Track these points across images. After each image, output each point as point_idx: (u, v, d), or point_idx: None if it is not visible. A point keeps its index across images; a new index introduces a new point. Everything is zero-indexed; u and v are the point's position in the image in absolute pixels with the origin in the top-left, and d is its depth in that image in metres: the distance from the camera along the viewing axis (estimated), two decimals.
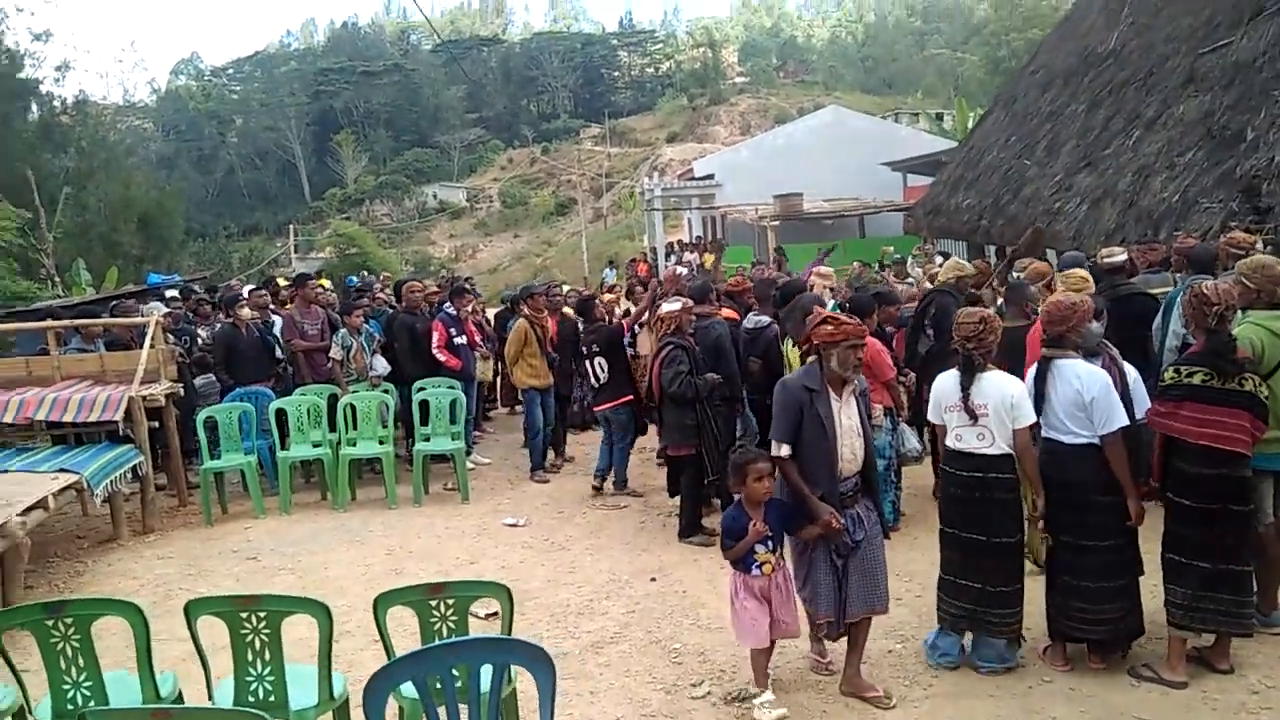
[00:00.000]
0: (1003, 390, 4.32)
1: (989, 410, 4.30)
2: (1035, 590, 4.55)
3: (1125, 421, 4.23)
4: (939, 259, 9.14)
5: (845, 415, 4.28)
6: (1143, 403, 4.71)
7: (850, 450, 4.27)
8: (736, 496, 4.37)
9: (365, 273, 21.26)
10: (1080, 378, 4.28)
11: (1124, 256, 7.23)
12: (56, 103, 34.22)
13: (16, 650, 3.56)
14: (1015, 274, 7.87)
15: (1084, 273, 6.52)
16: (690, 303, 7.12)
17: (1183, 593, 4.17)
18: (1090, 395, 4.22)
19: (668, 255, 25.03)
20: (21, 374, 8.21)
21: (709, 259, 20.93)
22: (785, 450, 4.27)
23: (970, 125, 22.18)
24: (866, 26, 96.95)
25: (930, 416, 4.71)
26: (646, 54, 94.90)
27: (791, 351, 6.83)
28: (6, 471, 6.83)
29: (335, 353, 9.16)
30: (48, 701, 3.52)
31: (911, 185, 23.20)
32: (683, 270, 11.18)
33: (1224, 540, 4.11)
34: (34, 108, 33.38)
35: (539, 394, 8.97)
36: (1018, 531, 4.40)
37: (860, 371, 4.37)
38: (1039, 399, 4.38)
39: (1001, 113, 15.76)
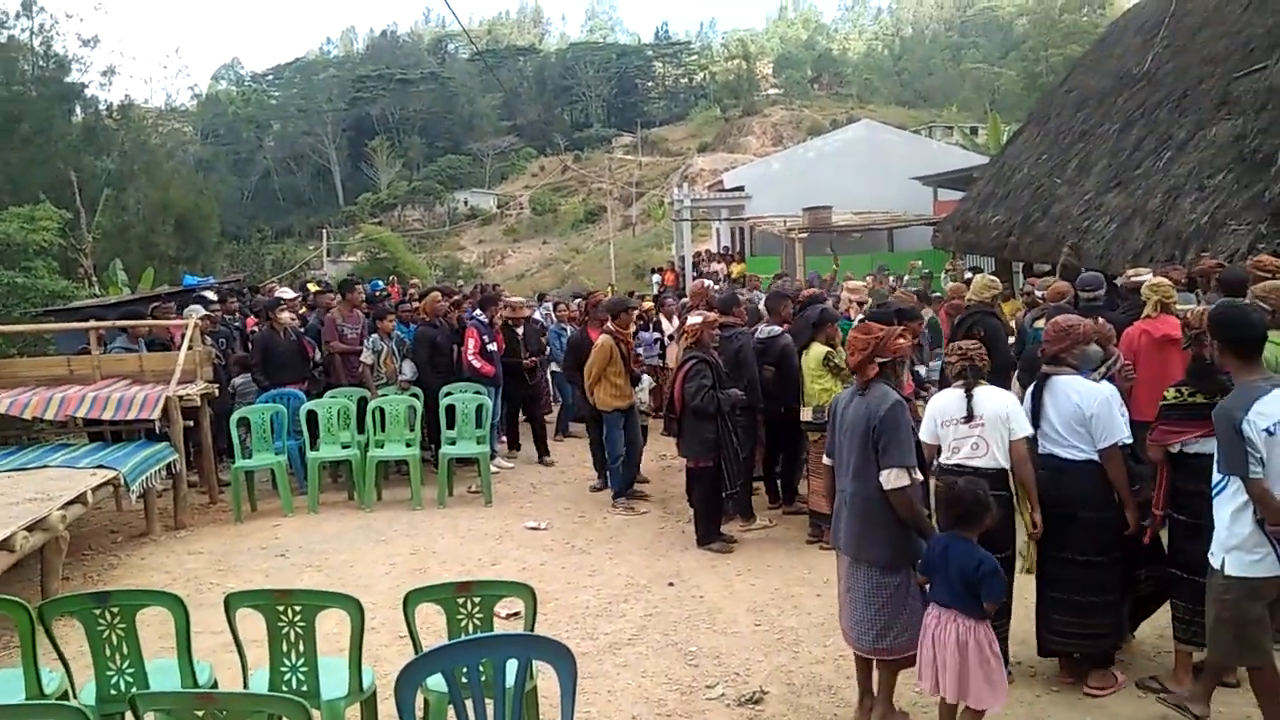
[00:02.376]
0: (999, 403, 4.42)
1: (984, 423, 4.38)
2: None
3: (1125, 435, 4.30)
4: (968, 274, 9.14)
5: None
6: None
7: None
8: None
9: (394, 278, 21.56)
10: (1080, 393, 4.36)
11: (1149, 276, 7.25)
12: (101, 106, 34.89)
13: (60, 639, 3.72)
14: (1038, 293, 7.93)
15: (992, 278, 7.40)
16: (714, 316, 7.22)
17: (1185, 607, 4.23)
18: (1090, 410, 4.30)
19: (695, 265, 25.12)
20: (63, 372, 8.46)
21: (737, 269, 21.04)
22: (919, 476, 4.07)
23: (1004, 141, 22.13)
24: (903, 40, 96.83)
25: (923, 435, 4.63)
26: (681, 65, 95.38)
27: (805, 361, 6.92)
28: (47, 467, 7.04)
29: (366, 357, 9.37)
30: (92, 686, 3.68)
31: (942, 199, 23.17)
32: (709, 283, 11.27)
33: None
34: (79, 111, 34.05)
35: (623, 415, 8.40)
36: (1009, 546, 4.45)
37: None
38: (1035, 415, 4.47)
39: (1035, 130, 15.76)
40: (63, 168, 25.54)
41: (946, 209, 19.57)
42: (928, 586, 3.91)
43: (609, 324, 8.44)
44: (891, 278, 13.53)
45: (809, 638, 5.26)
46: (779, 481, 7.94)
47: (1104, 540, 4.32)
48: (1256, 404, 3.53)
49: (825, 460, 4.55)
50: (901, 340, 4.14)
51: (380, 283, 16.94)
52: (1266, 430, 3.52)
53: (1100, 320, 5.43)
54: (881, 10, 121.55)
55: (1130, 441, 4.35)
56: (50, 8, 48.22)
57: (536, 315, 10.92)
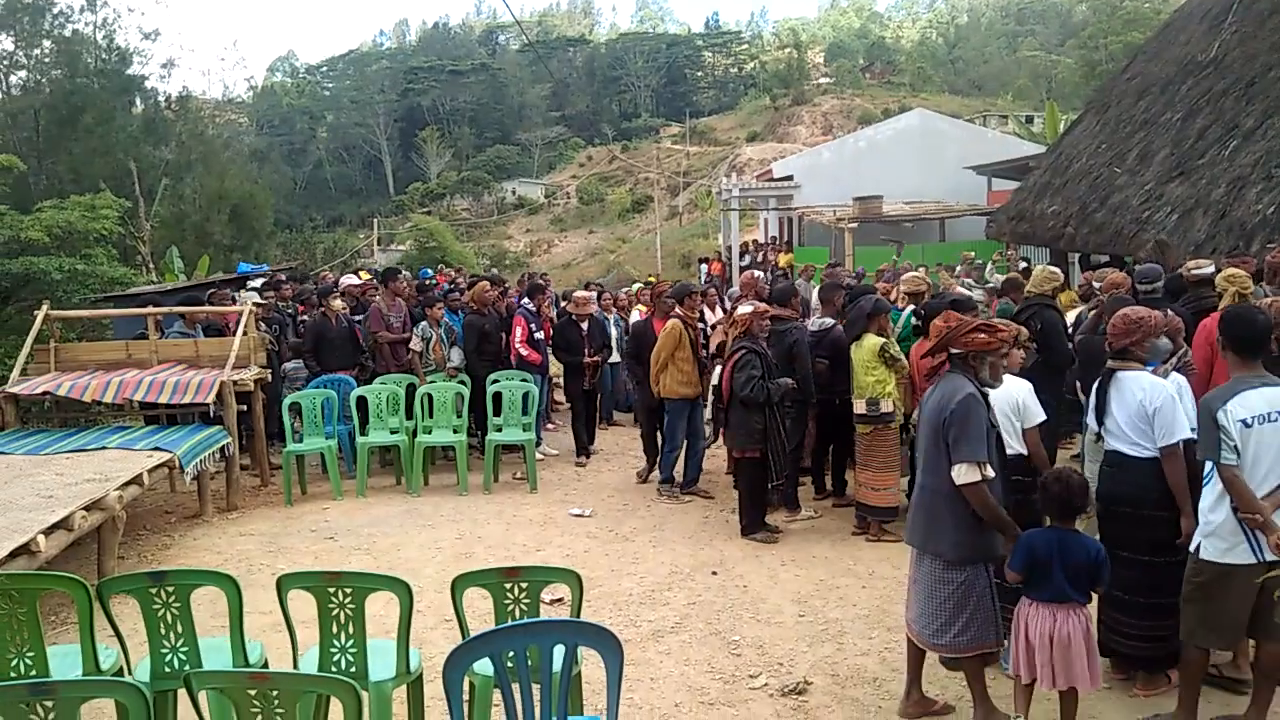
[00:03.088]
0: (1009, 393, 4.46)
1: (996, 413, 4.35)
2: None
3: (1187, 434, 4.16)
4: (1022, 264, 8.93)
5: None
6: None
7: None
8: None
9: (442, 266, 21.73)
10: (1145, 389, 4.25)
11: (1212, 269, 7.05)
12: (160, 98, 35.66)
13: (116, 617, 3.80)
14: (1096, 284, 7.74)
15: (1053, 269, 7.36)
16: (764, 307, 7.15)
17: None
18: (1154, 406, 4.19)
19: (742, 255, 24.98)
20: (121, 356, 8.63)
21: (785, 259, 20.89)
22: (990, 472, 3.91)
23: (1061, 130, 21.67)
24: (958, 28, 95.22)
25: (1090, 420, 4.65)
26: (731, 54, 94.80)
27: (856, 352, 6.83)
28: (105, 448, 7.21)
29: (415, 344, 9.47)
30: (146, 663, 3.75)
31: (996, 189, 22.75)
32: (759, 274, 11.14)
33: None
34: (139, 103, 34.79)
35: (689, 405, 8.16)
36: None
37: (998, 384, 4.13)
38: (1101, 410, 4.38)
39: (1093, 119, 15.39)
40: (123, 158, 26.16)
41: (1001, 199, 19.20)
42: (1019, 584, 3.87)
43: (677, 309, 8.28)
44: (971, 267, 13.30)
45: (854, 630, 5.21)
46: (828, 473, 7.87)
47: (1168, 540, 4.19)
48: (1238, 396, 3.66)
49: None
50: (980, 335, 3.96)
51: (429, 271, 17.11)
52: (1243, 421, 3.64)
53: (1169, 312, 5.27)
54: None
55: (1189, 436, 4.23)
56: (113, 2, 49.32)
57: (594, 308, 10.37)
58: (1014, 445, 4.49)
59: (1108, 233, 11.35)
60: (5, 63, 31.31)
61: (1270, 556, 3.62)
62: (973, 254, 14.43)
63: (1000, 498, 3.93)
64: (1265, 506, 3.60)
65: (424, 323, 9.63)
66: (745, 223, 31.51)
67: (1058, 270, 7.89)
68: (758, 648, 5.01)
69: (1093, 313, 7.44)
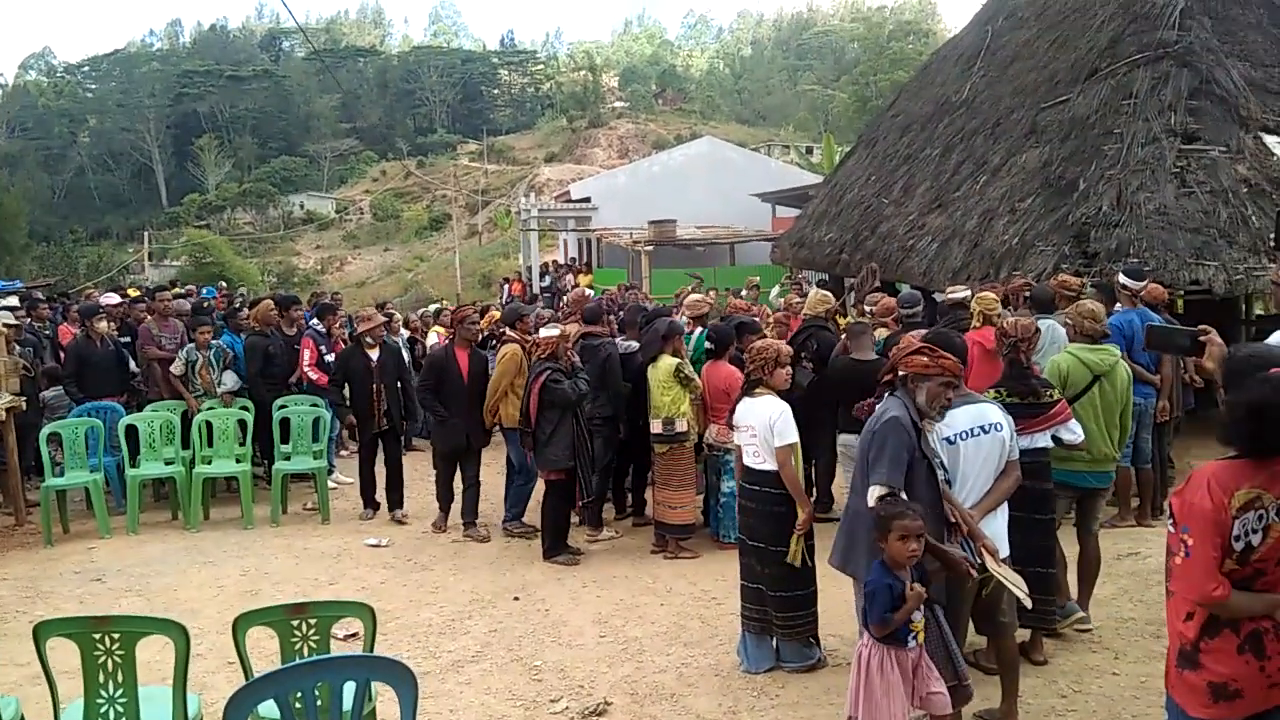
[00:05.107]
0: (763, 412, 4.91)
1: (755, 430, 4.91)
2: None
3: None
4: (813, 290, 9.47)
5: None
6: None
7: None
8: (878, 560, 3.62)
9: (223, 284, 20.56)
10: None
11: (966, 293, 7.75)
12: None
13: None
14: (867, 309, 8.32)
15: (826, 293, 8.09)
16: (568, 330, 7.23)
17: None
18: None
19: (542, 275, 25.08)
20: None
21: (585, 280, 21.14)
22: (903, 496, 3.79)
23: (836, 161, 23.12)
24: (742, 59, 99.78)
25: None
26: (527, 74, 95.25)
27: (653, 373, 7.03)
28: None
29: (176, 368, 8.87)
30: None
31: (780, 216, 23.99)
32: (590, 292, 11.08)
33: (1031, 546, 4.50)
34: None
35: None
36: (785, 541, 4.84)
37: (942, 415, 3.93)
38: None
39: (864, 152, 16.52)
40: None
41: (784, 225, 20.25)
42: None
43: (509, 332, 7.85)
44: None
45: (653, 647, 5.32)
46: (629, 493, 8.03)
47: None
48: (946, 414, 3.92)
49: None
50: (920, 358, 3.85)
51: (214, 290, 16.12)
52: (947, 439, 3.97)
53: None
54: (723, 29, 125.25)
55: None
56: None
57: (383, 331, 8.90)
58: (769, 463, 4.89)
59: (878, 259, 12.19)
60: None
61: (982, 561, 3.85)
62: (757, 279, 15.16)
63: (935, 529, 3.73)
64: (973, 515, 3.92)
65: (189, 345, 8.99)
66: (545, 243, 31.66)
67: (830, 294, 8.45)
68: (559, 671, 5.04)
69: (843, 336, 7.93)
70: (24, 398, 8.15)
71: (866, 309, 8.46)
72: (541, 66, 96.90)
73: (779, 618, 4.87)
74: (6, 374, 7.92)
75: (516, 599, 6.18)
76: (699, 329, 8.02)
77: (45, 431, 7.88)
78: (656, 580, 6.45)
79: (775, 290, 14.22)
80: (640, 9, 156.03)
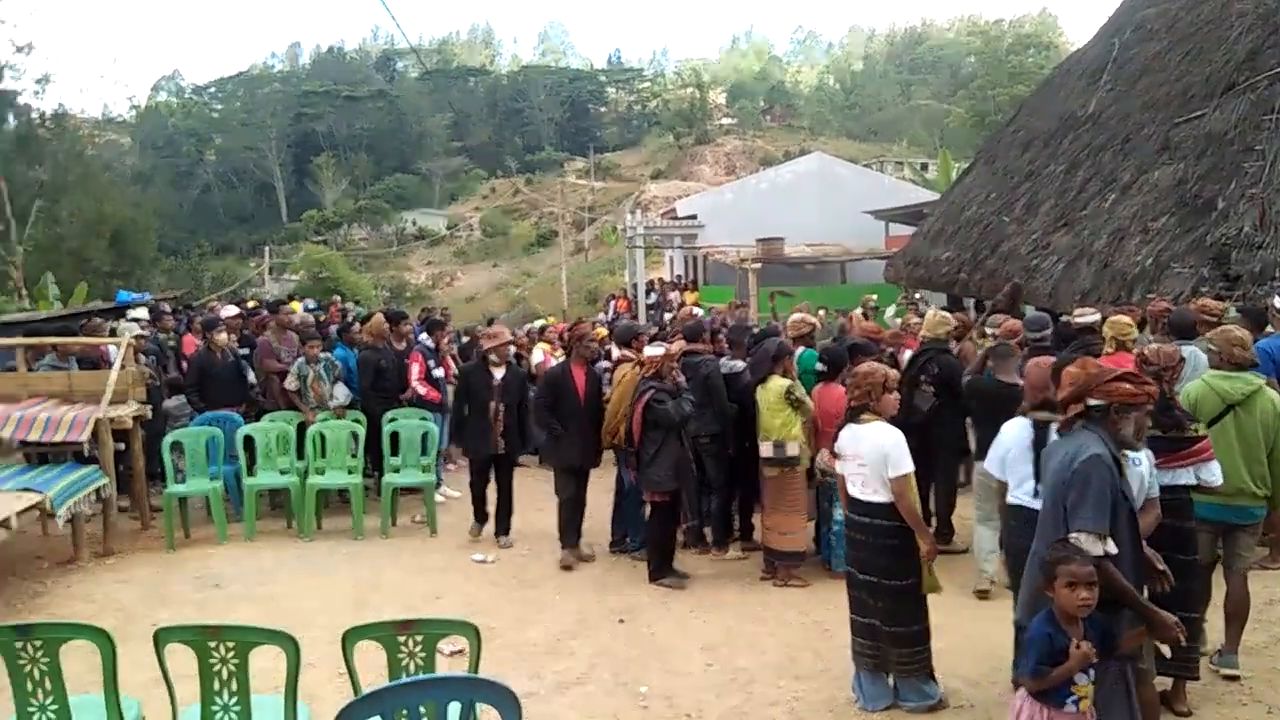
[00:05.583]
0: (876, 442, 4.69)
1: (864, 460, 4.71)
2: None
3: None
4: (932, 310, 9.11)
5: None
6: None
7: None
8: (1046, 610, 3.32)
9: (337, 298, 21.15)
10: None
11: (1096, 316, 7.35)
12: (35, 115, 33.89)
13: None
14: (990, 331, 7.97)
15: (945, 314, 7.73)
16: (674, 348, 7.13)
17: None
18: None
19: (648, 292, 25.10)
20: None
21: (691, 297, 21.06)
22: (1111, 546, 3.39)
23: (953, 177, 22.49)
24: (853, 74, 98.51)
25: (993, 469, 4.69)
26: (634, 91, 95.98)
27: (762, 394, 6.84)
28: None
29: (290, 383, 9.06)
30: None
31: (893, 234, 23.43)
32: (699, 310, 10.81)
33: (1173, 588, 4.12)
34: (10, 119, 33.06)
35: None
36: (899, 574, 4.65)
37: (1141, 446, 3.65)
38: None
39: (983, 168, 16.01)
40: None
41: (898, 244, 19.78)
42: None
43: (624, 352, 7.78)
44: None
45: (762, 678, 5.15)
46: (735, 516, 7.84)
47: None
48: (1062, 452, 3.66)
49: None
50: (1125, 385, 3.52)
51: (313, 303, 16.52)
52: None
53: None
54: (832, 44, 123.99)
55: None
56: None
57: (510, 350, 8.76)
58: (881, 493, 4.66)
59: (999, 279, 11.75)
60: None
61: None
62: (874, 297, 14.77)
63: (1133, 577, 3.44)
64: None
65: (300, 359, 9.12)
66: (651, 260, 31.71)
67: (949, 315, 8.11)
68: (665, 699, 4.91)
69: (980, 354, 7.61)
70: (149, 406, 8.46)
71: (989, 331, 8.10)
72: (648, 84, 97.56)
73: (895, 653, 4.66)
74: (134, 383, 8.23)
75: (622, 621, 6.08)
76: (801, 349, 7.80)
77: (168, 440, 8.16)
78: (766, 608, 6.26)
79: (891, 310, 13.85)
80: (748, 26, 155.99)
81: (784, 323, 9.26)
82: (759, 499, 7.21)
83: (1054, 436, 4.15)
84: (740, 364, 7.49)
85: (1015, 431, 4.59)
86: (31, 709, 3.50)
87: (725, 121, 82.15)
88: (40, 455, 7.76)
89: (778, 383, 6.77)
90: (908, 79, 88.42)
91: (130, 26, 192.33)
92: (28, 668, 3.48)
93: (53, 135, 34.07)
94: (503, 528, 8.08)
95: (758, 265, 21.60)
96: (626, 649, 5.62)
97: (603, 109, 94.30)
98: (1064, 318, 9.40)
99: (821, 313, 12.05)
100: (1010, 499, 4.50)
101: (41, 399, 7.99)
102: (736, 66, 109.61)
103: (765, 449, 6.74)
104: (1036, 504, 4.08)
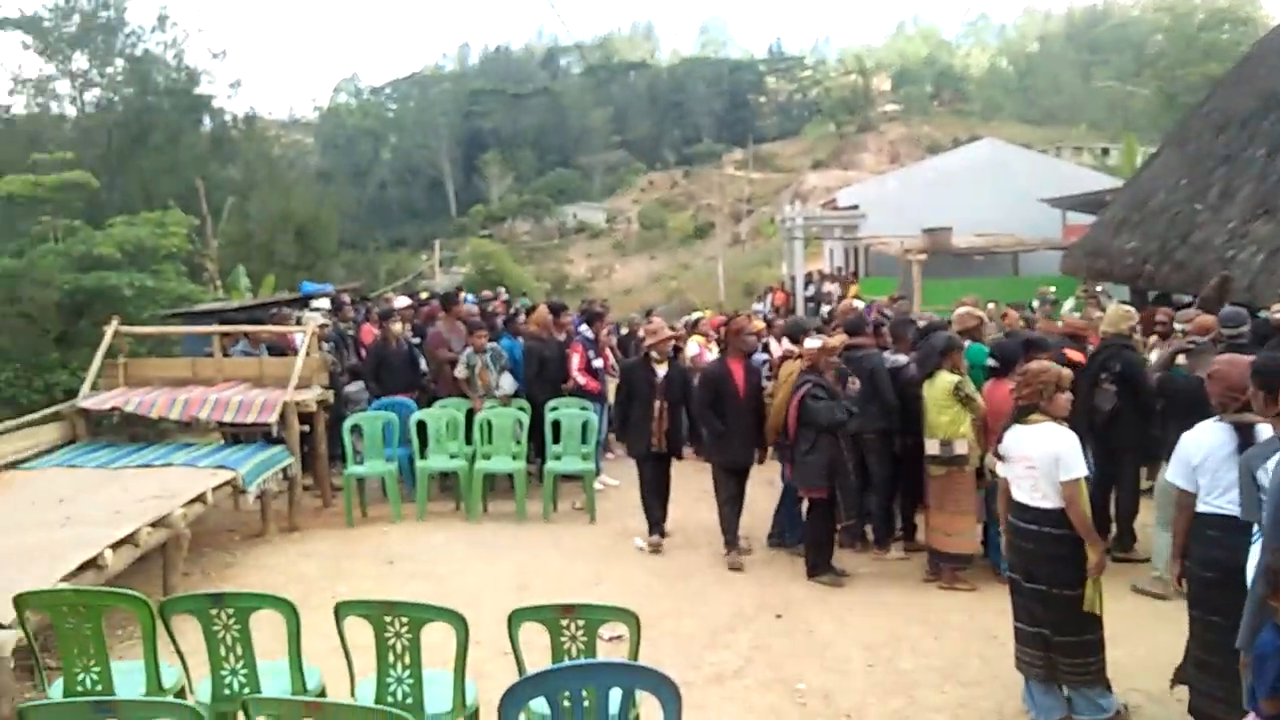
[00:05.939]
0: (1047, 445, 4.46)
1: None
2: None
3: None
4: (1113, 304, 8.53)
5: None
6: None
7: None
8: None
9: (503, 289, 21.79)
10: None
11: None
12: (228, 118, 36.33)
13: (178, 635, 3.81)
14: (1180, 326, 7.45)
15: (1128, 308, 7.28)
16: (833, 342, 6.99)
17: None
18: None
19: (806, 285, 24.73)
20: (187, 374, 8.75)
21: (853, 290, 20.62)
22: None
23: (1138, 163, 21.08)
24: (1029, 56, 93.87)
25: (1179, 479, 4.23)
26: (795, 80, 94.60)
27: (929, 390, 6.60)
28: (170, 465, 7.27)
29: (459, 371, 9.35)
30: (207, 683, 3.79)
31: (1071, 223, 22.18)
32: (859, 303, 10.53)
33: None
34: (206, 121, 35.57)
35: None
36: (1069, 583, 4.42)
37: None
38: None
39: (1172, 153, 14.93)
40: (190, 176, 26.70)
41: (1076, 233, 18.75)
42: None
43: (791, 348, 7.57)
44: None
45: (926, 682, 5.00)
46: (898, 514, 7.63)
47: None
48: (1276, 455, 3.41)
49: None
50: None
51: (471, 296, 16.98)
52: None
53: None
54: (1006, 26, 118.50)
55: None
56: (183, 22, 50.63)
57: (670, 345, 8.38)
58: (1051, 499, 4.44)
59: (1190, 271, 10.95)
60: (80, 81, 32.30)
61: None
62: (1053, 289, 14.01)
63: None
64: None
65: (468, 349, 9.39)
66: (810, 251, 31.21)
67: (1132, 309, 7.61)
68: (824, 697, 4.83)
69: (1169, 350, 7.10)
70: (331, 391, 8.98)
71: (1178, 327, 7.56)
72: (809, 72, 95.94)
73: (1065, 664, 4.42)
74: (317, 370, 8.75)
75: (779, 616, 6.02)
76: (968, 343, 7.47)
77: (348, 423, 8.64)
78: (929, 611, 6.07)
79: (1070, 303, 13.15)
80: (914, 11, 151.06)
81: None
82: (922, 498, 6.99)
83: (1260, 439, 3.84)
84: (903, 358, 7.28)
85: (1209, 436, 4.23)
86: (224, 672, 3.76)
87: (890, 108, 79.78)
88: (233, 435, 8.37)
89: (946, 378, 6.52)
90: (1087, 60, 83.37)
91: (313, 32, 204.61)
92: (220, 633, 3.73)
93: (244, 136, 36.50)
94: (654, 523, 7.90)
95: (923, 256, 20.90)
96: (784, 644, 5.56)
97: (762, 99, 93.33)
98: (1262, 313, 8.67)
99: (991, 306, 11.56)
100: (1209, 507, 4.13)
101: (235, 383, 8.60)
102: (902, 51, 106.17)
103: (931, 446, 6.52)
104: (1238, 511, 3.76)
